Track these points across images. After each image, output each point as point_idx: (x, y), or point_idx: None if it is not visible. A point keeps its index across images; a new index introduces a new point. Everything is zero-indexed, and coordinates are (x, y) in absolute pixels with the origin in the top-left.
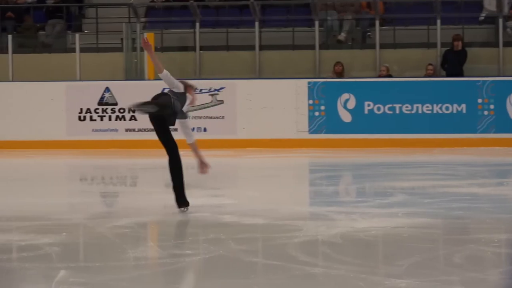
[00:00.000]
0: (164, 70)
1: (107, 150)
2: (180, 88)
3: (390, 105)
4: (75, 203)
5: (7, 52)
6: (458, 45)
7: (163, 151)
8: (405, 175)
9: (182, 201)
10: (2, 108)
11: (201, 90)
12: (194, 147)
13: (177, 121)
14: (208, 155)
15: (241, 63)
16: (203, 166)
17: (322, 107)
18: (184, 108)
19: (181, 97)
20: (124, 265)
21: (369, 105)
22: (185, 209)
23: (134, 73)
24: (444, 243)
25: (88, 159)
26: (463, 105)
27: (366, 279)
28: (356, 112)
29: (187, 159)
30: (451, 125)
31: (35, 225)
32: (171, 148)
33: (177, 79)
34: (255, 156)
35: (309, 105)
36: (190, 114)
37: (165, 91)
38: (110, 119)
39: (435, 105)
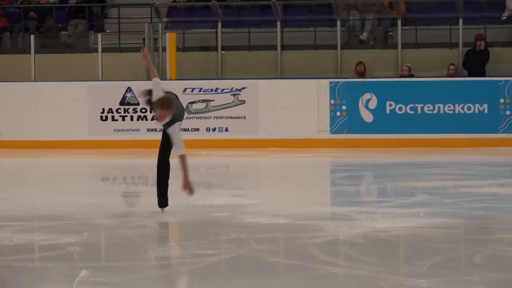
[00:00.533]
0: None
1: (129, 150)
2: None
3: (411, 105)
4: (96, 203)
5: (29, 53)
6: (481, 44)
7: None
8: (426, 175)
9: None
10: (25, 108)
11: (222, 90)
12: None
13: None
14: (230, 155)
15: (263, 63)
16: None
17: (344, 107)
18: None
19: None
20: (146, 264)
21: (390, 105)
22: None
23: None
24: (466, 243)
25: (110, 159)
26: (485, 105)
27: (387, 279)
28: (377, 112)
29: (204, 159)
30: (472, 125)
31: (57, 224)
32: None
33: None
34: (277, 156)
35: (331, 105)
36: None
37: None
38: (132, 119)
39: (456, 105)
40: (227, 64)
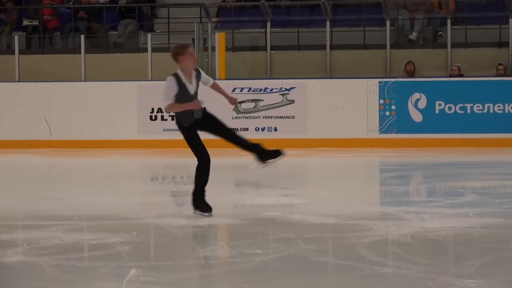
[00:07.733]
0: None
1: (178, 149)
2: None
3: (461, 105)
4: (145, 202)
5: (80, 53)
6: None
7: (233, 150)
8: (475, 175)
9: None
10: (75, 108)
11: (271, 89)
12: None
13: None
14: None
15: (312, 62)
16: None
17: (393, 107)
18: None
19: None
20: (194, 264)
21: (440, 104)
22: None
23: (205, 72)
24: None
25: (159, 159)
26: None
27: (436, 279)
28: (427, 111)
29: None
30: None
31: (107, 224)
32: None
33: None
34: (326, 156)
35: (380, 104)
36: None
37: None
38: None
39: (506, 105)
40: (276, 63)
